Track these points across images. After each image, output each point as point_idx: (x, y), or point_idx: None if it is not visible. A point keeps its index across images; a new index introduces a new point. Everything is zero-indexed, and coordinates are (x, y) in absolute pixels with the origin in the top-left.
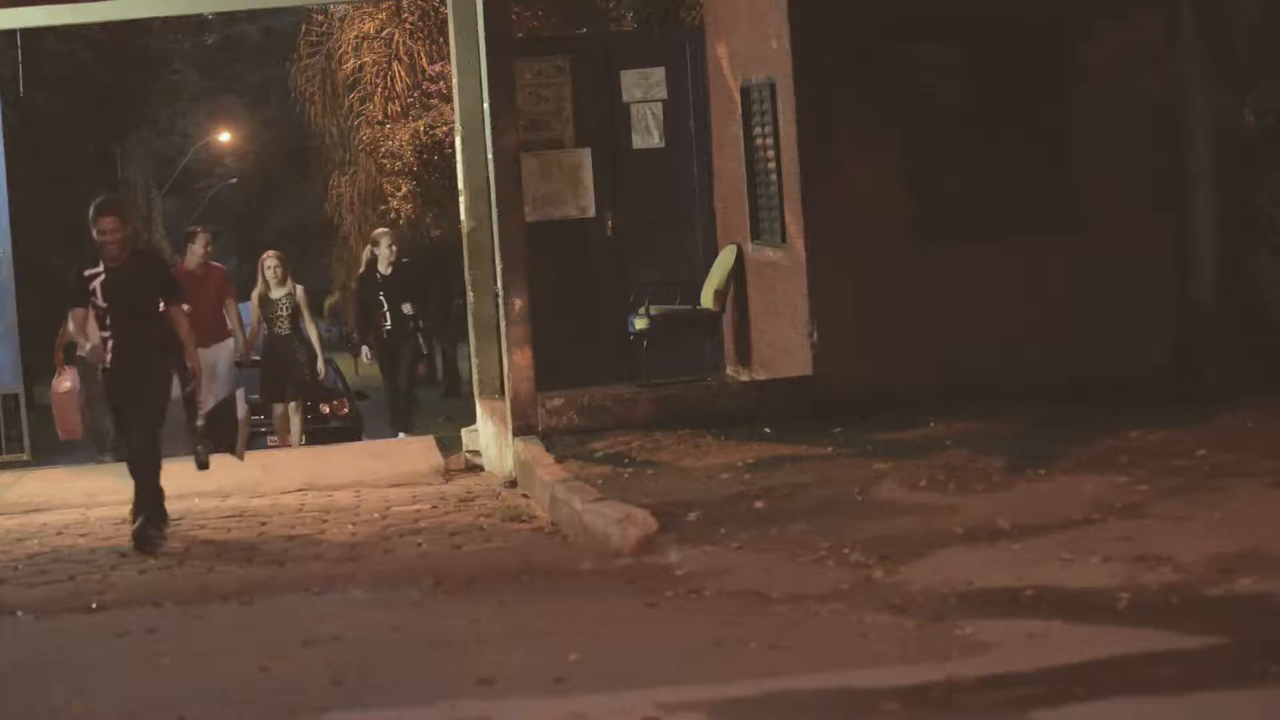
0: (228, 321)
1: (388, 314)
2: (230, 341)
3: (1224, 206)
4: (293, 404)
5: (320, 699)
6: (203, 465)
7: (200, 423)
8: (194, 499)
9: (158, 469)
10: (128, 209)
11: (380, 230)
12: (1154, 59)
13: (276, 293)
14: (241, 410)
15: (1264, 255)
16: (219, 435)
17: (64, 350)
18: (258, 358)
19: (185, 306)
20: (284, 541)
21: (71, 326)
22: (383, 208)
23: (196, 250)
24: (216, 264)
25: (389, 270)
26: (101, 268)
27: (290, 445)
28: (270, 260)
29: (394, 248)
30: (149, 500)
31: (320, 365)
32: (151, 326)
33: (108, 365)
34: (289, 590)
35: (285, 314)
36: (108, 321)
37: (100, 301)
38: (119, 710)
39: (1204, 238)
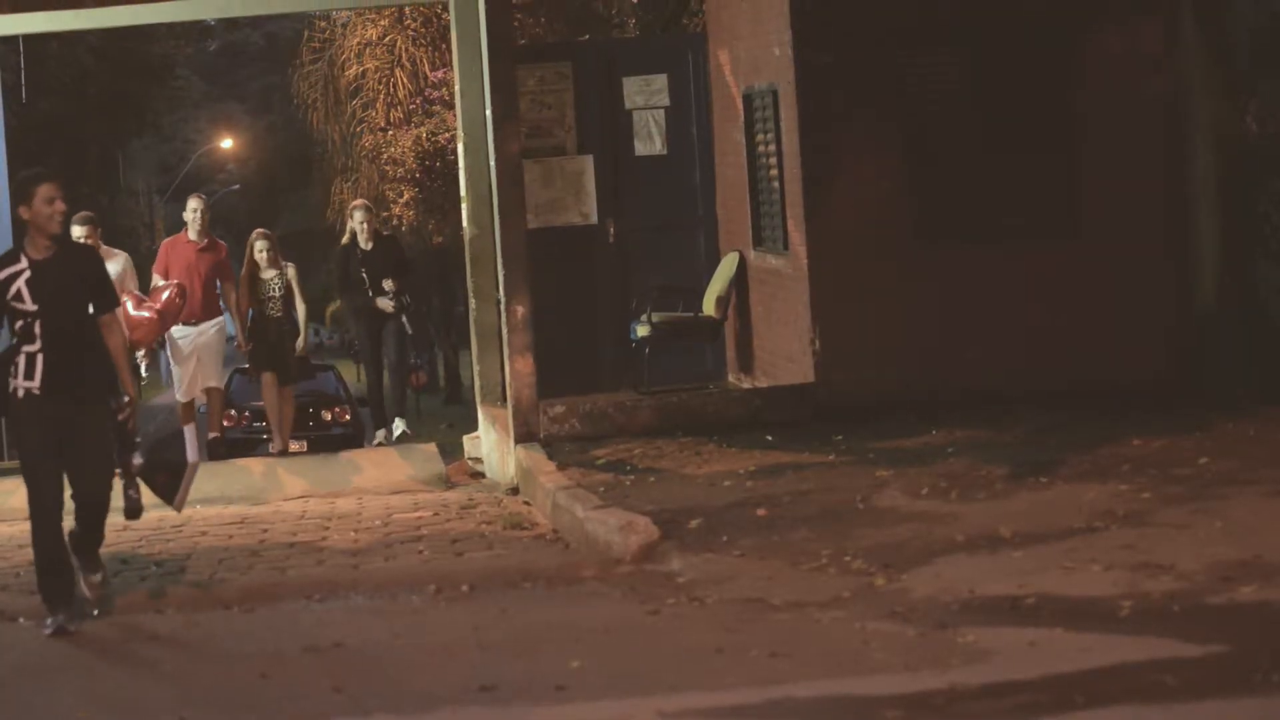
0: (221, 304)
1: (369, 291)
2: (222, 321)
3: (1226, 213)
4: (284, 389)
5: (322, 706)
6: (133, 513)
7: (139, 461)
8: (196, 505)
9: (104, 519)
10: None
11: (357, 202)
12: (1155, 65)
13: (267, 273)
14: (192, 454)
15: (1266, 262)
16: (156, 483)
17: None
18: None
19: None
20: (286, 548)
21: None
22: (385, 214)
23: (186, 218)
24: (220, 241)
25: (369, 245)
26: (24, 263)
27: (283, 437)
28: (260, 243)
29: (365, 225)
30: (92, 550)
31: (301, 342)
32: (90, 336)
33: (35, 391)
34: (291, 597)
35: (278, 294)
36: (36, 330)
37: (27, 304)
38: (119, 716)
39: (1206, 244)
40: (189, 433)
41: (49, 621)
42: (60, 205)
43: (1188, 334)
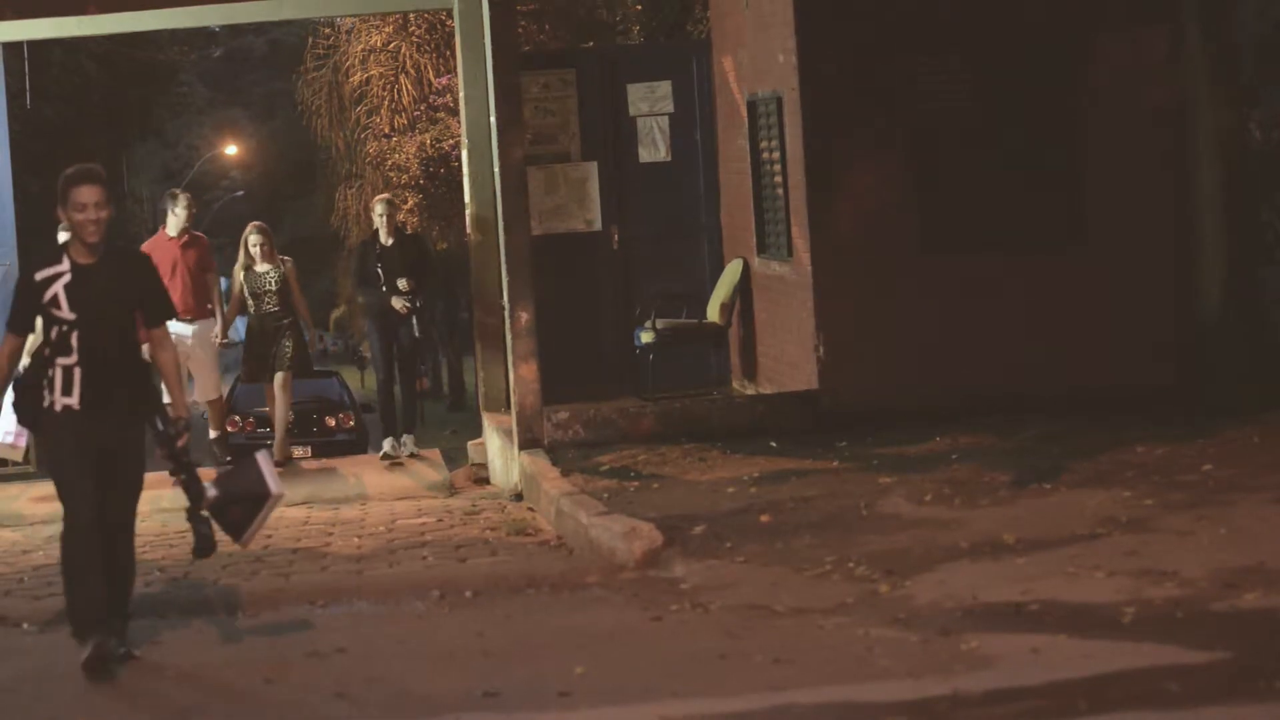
0: (209, 299)
1: (384, 289)
2: (211, 321)
3: (1229, 221)
4: (280, 378)
5: (325, 711)
6: (204, 550)
7: (214, 493)
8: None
9: (132, 550)
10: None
11: (380, 196)
12: (1159, 74)
13: (261, 267)
14: (274, 485)
15: (1269, 270)
16: (228, 517)
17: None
18: (234, 340)
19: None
20: (289, 554)
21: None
22: None
23: (180, 214)
24: (199, 234)
25: (389, 241)
26: (66, 265)
27: (278, 432)
28: (254, 236)
29: (386, 219)
30: (123, 597)
31: (310, 336)
32: (133, 352)
33: (75, 408)
34: (294, 602)
35: (274, 287)
36: (72, 342)
37: (65, 312)
38: None
39: (1209, 252)
40: (264, 458)
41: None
42: (94, 214)
43: (1191, 341)
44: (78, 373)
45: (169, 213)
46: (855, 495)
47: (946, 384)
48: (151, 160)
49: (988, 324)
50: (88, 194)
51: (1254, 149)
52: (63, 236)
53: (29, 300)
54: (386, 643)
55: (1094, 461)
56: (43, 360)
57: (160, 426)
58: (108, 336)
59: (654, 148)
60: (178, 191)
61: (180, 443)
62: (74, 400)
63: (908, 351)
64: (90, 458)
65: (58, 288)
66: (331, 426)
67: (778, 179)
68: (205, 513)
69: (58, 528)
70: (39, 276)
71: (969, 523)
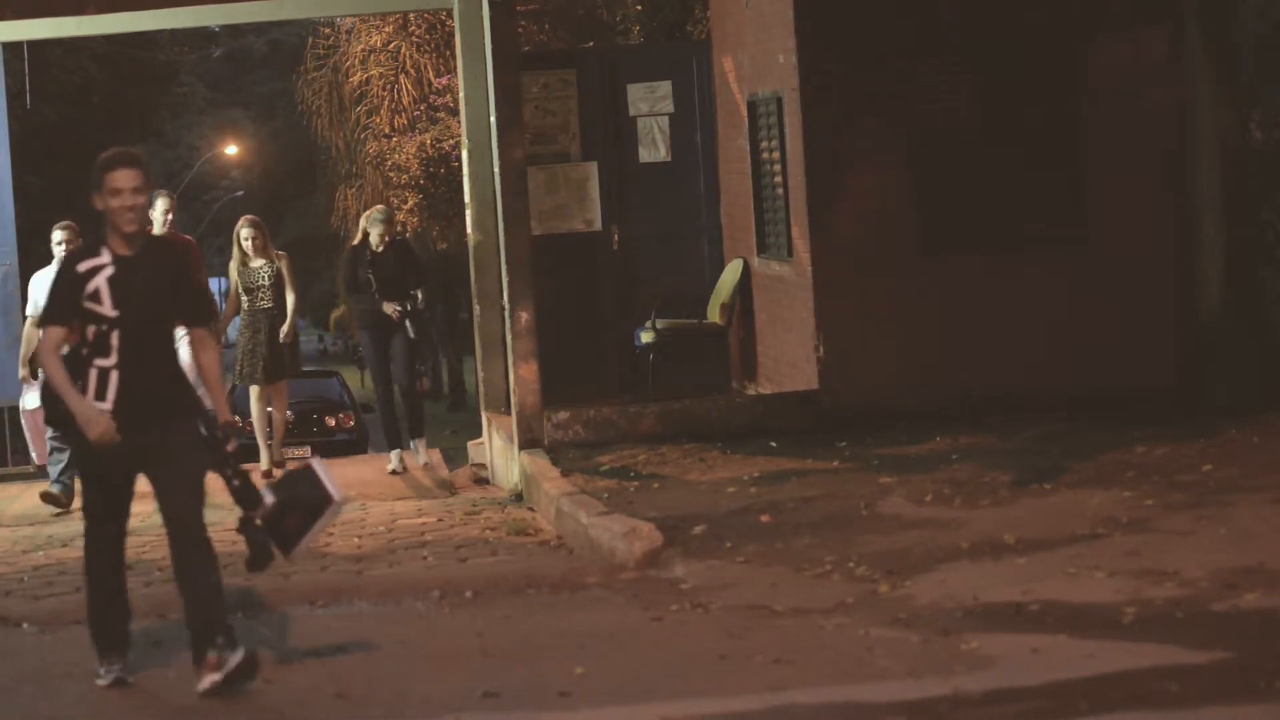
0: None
1: (376, 296)
2: None
3: (1230, 221)
4: (272, 388)
5: (325, 712)
6: (260, 562)
7: (270, 499)
8: (255, 521)
9: (217, 564)
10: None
11: (376, 208)
12: (1159, 74)
13: (255, 262)
14: (336, 492)
15: (1269, 269)
16: (285, 525)
17: (32, 363)
18: (232, 342)
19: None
20: None
21: (45, 353)
22: None
23: (156, 216)
24: (185, 235)
25: (381, 248)
26: (107, 257)
27: (270, 455)
28: (245, 230)
29: (382, 236)
30: (216, 613)
31: (287, 328)
32: (172, 354)
33: (108, 414)
34: (294, 603)
35: (267, 283)
36: (113, 342)
37: (106, 308)
38: None
39: (1209, 252)
40: (320, 465)
41: (102, 671)
42: (130, 199)
43: (1192, 341)
44: (114, 376)
45: (149, 214)
46: (855, 495)
47: (946, 384)
48: (152, 161)
49: (988, 324)
50: (125, 178)
51: (1254, 149)
52: (57, 236)
53: (71, 293)
54: (386, 643)
55: (1094, 461)
56: (77, 359)
57: (205, 432)
58: (150, 336)
59: (654, 148)
60: (159, 192)
61: (229, 447)
62: (107, 405)
63: (908, 351)
64: (121, 475)
65: (100, 281)
66: (331, 426)
67: (778, 179)
68: (259, 521)
69: (58, 528)
70: (82, 268)
71: (969, 523)
